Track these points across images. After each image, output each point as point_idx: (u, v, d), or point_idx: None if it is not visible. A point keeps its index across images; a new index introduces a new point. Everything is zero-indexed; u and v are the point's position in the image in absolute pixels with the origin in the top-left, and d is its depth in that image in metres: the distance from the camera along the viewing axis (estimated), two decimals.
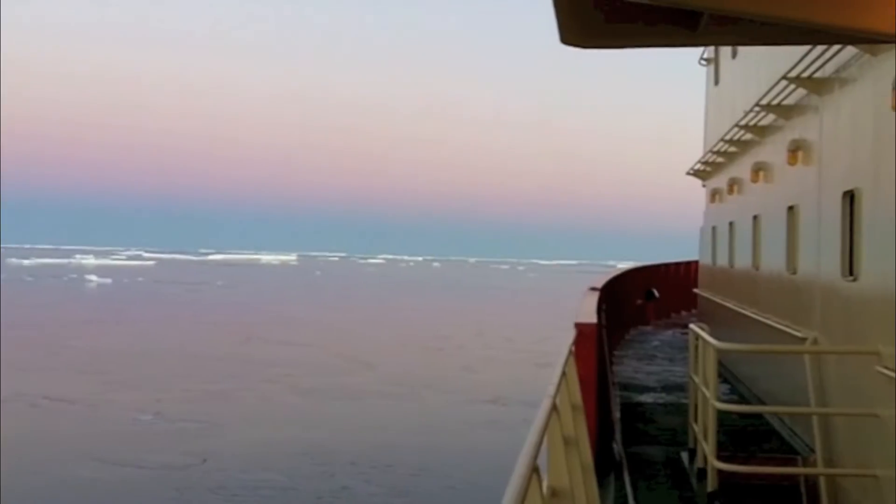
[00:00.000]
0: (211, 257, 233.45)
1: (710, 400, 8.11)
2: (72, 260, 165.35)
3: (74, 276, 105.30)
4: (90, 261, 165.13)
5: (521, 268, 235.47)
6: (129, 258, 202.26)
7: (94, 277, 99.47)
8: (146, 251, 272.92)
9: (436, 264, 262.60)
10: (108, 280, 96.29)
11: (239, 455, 18.87)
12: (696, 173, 21.28)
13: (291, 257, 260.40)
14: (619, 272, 22.00)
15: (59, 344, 37.29)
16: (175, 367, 31.66)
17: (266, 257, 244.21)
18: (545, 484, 4.14)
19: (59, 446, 19.19)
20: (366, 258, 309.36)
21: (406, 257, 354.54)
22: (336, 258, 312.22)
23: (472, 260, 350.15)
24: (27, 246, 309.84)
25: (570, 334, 8.15)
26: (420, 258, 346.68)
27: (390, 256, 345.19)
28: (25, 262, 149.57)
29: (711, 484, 8.01)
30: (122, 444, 19.61)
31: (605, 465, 9.22)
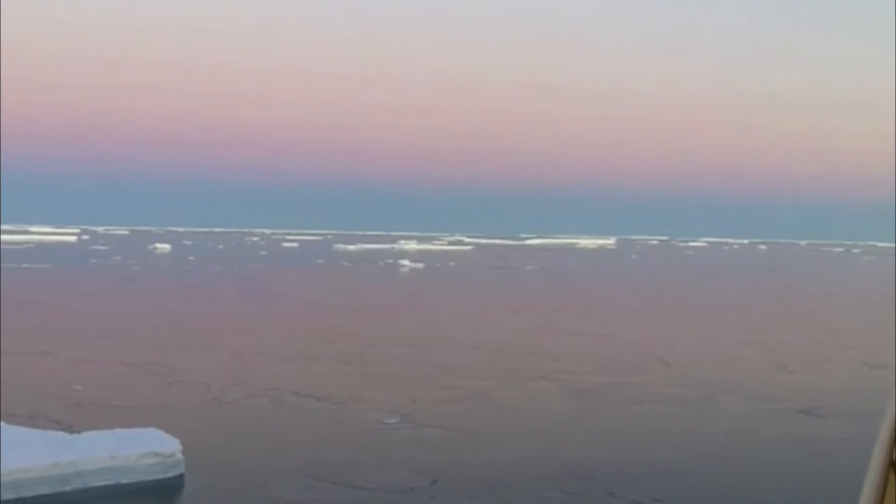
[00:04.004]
0: (529, 242, 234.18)
1: None
2: (395, 245, 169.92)
3: (390, 260, 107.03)
4: (411, 246, 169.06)
5: (856, 250, 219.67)
6: (450, 243, 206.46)
7: (406, 262, 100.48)
8: (468, 236, 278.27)
9: (762, 247, 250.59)
10: (421, 265, 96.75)
11: (477, 475, 15.60)
12: None
13: (609, 241, 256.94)
14: None
15: (340, 331, 35.77)
16: (449, 358, 29.04)
17: (583, 241, 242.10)
18: None
19: (279, 456, 16.69)
20: (687, 241, 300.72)
21: (731, 240, 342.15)
22: (656, 242, 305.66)
23: (802, 242, 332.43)
24: (359, 232, 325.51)
25: None
26: (746, 241, 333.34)
27: (713, 239, 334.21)
28: (350, 247, 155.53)
29: None
30: (352, 454, 16.86)
31: None
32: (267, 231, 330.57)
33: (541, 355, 30.20)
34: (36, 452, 14.28)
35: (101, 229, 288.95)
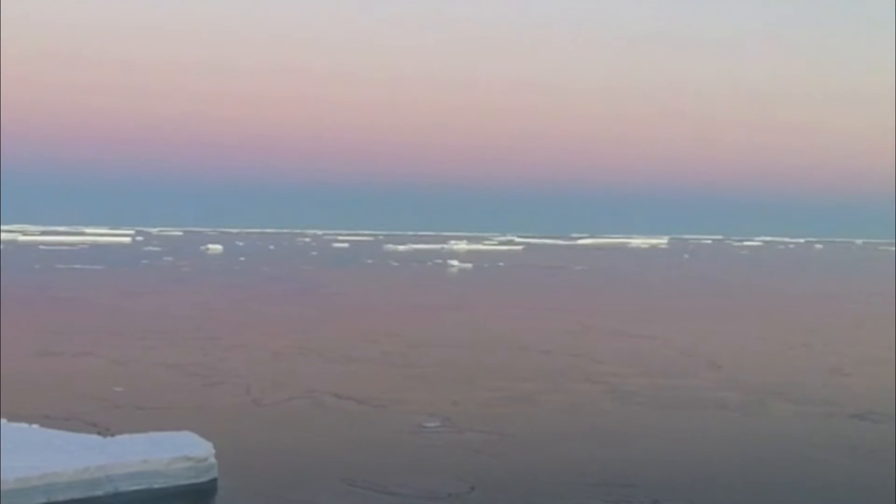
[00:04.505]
0: (580, 241, 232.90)
1: None
2: (445, 246, 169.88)
3: (439, 261, 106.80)
4: (462, 246, 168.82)
5: None
6: (501, 243, 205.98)
7: (455, 262, 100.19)
8: (519, 236, 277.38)
9: (818, 246, 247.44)
10: (469, 265, 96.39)
11: (517, 481, 15.15)
12: None
13: (662, 241, 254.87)
14: None
15: (385, 331, 35.49)
16: (493, 360, 28.62)
17: (636, 241, 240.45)
18: None
19: (315, 460, 16.41)
20: (741, 241, 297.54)
21: (786, 239, 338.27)
22: (709, 241, 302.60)
23: (858, 241, 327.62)
24: (410, 233, 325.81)
25: None
26: (801, 240, 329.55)
27: (769, 238, 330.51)
28: (400, 248, 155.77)
29: None
30: (390, 459, 16.51)
31: None
32: (318, 232, 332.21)
33: (587, 357, 29.70)
34: (67, 456, 14.09)
35: (155, 230, 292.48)
